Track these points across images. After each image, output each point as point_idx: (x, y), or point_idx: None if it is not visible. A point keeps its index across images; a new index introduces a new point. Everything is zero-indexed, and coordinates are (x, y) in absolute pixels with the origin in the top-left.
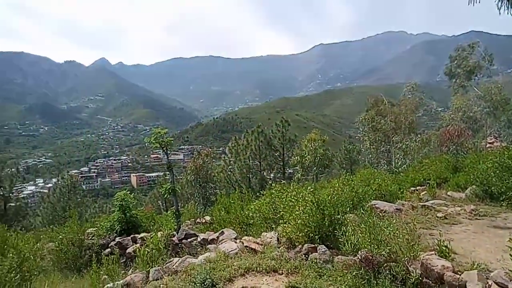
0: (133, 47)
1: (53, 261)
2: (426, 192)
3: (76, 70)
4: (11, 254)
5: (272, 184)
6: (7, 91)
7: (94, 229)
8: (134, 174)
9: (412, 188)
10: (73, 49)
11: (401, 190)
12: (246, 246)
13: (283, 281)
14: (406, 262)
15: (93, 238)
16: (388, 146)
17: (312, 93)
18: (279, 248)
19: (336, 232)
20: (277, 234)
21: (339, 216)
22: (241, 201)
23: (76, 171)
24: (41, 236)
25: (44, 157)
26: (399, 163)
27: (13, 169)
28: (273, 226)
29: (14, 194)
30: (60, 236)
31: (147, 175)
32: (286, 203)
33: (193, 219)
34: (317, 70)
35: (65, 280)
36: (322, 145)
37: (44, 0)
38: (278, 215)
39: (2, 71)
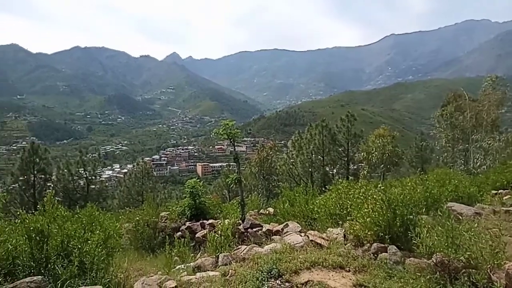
0: (202, 42)
1: (130, 240)
2: (510, 196)
3: (150, 64)
4: (98, 231)
5: (337, 180)
6: (89, 83)
7: (167, 213)
8: (199, 164)
9: (494, 192)
10: (148, 44)
11: (481, 193)
12: (311, 240)
13: (350, 278)
14: (488, 270)
15: (165, 221)
16: (467, 145)
17: (380, 86)
18: (345, 245)
19: (408, 233)
20: (343, 230)
21: (411, 217)
22: (306, 194)
23: (148, 158)
24: (120, 217)
25: (120, 144)
26: (478, 164)
27: (95, 155)
28: (340, 222)
29: (96, 177)
30: (137, 218)
31: (211, 164)
32: (354, 200)
33: (256, 210)
34: (387, 62)
35: (141, 259)
36: (391, 142)
37: None
38: (345, 212)
39: (85, 64)
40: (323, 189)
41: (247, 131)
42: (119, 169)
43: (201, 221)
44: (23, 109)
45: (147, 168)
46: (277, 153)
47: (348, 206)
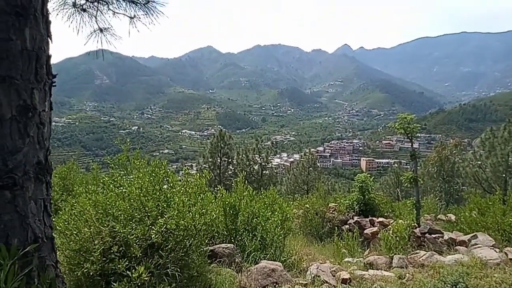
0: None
1: (300, 226)
2: None
3: (321, 57)
4: (277, 212)
5: None
6: (266, 78)
7: (334, 204)
8: (364, 158)
9: None
10: (320, 37)
11: None
12: (510, 259)
13: None
14: None
15: (333, 212)
16: None
17: None
18: None
19: None
20: None
21: None
22: (504, 204)
23: (313, 149)
24: (290, 202)
25: (289, 135)
26: None
27: (267, 143)
28: None
29: (268, 164)
30: (307, 205)
31: (376, 160)
32: None
33: (433, 214)
34: None
35: (309, 245)
36: None
37: None
38: None
39: (264, 61)
40: None
41: (421, 126)
42: (286, 158)
43: (370, 218)
44: (213, 101)
45: (313, 159)
46: (462, 152)
47: None
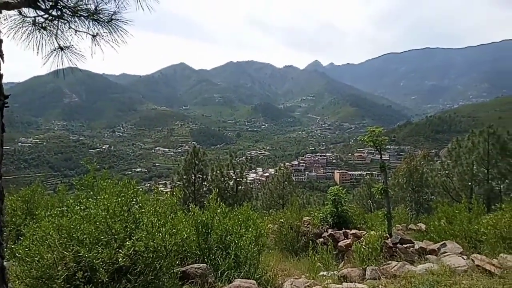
0: (343, 48)
1: (275, 241)
2: None
3: (292, 73)
4: (251, 229)
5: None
6: (239, 94)
7: (309, 218)
8: (337, 171)
9: None
10: (291, 54)
11: None
12: (477, 265)
13: None
14: None
15: (308, 226)
16: None
17: None
18: None
19: None
20: None
21: None
22: (469, 212)
23: (288, 163)
24: (265, 218)
25: (263, 150)
26: None
27: (242, 158)
28: None
29: (243, 179)
30: (282, 220)
31: (349, 172)
32: None
33: (404, 224)
34: None
35: (285, 260)
36: None
37: (268, 13)
38: None
39: (237, 77)
40: (488, 207)
41: (391, 138)
42: (261, 173)
43: (343, 230)
44: (187, 118)
45: (287, 173)
46: (430, 163)
47: None
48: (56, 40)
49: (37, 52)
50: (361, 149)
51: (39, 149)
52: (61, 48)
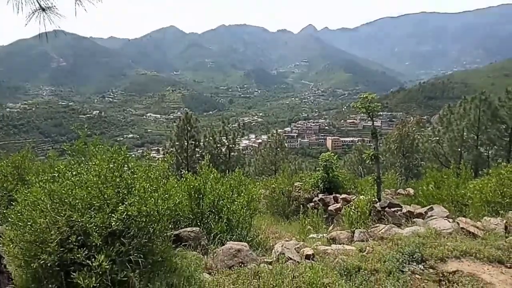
0: (339, 11)
1: (267, 206)
2: None
3: (286, 38)
4: (243, 194)
5: (497, 163)
6: (232, 59)
7: (300, 183)
8: (329, 137)
9: None
10: (285, 18)
11: None
12: (462, 228)
13: (511, 276)
14: None
15: (299, 191)
16: None
17: None
18: (507, 238)
19: None
20: (504, 221)
21: None
22: (457, 177)
23: (280, 130)
24: (257, 183)
25: (256, 116)
26: None
27: (234, 125)
28: (500, 211)
29: (236, 146)
30: (273, 185)
31: (341, 139)
32: None
33: (393, 189)
34: None
35: (276, 223)
36: None
37: None
38: (508, 200)
39: (229, 42)
40: (475, 172)
41: (383, 104)
42: (254, 139)
43: (334, 195)
44: (178, 83)
45: (280, 140)
46: (421, 129)
47: None
48: (37, 0)
49: (17, 12)
50: (354, 116)
51: (28, 115)
52: (43, 9)
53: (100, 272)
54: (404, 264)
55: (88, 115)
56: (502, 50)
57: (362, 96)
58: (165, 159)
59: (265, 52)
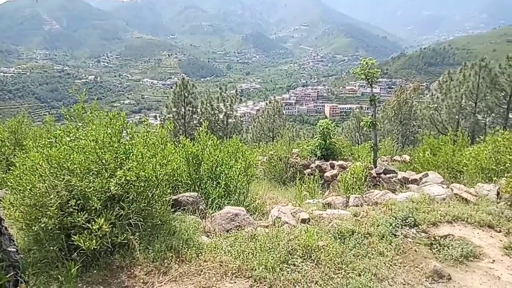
0: None
1: (264, 172)
2: None
3: (286, 0)
4: (240, 160)
5: (494, 130)
6: (229, 22)
7: (297, 150)
8: (328, 104)
9: None
10: None
11: None
12: (455, 194)
13: (500, 240)
14: None
15: (296, 157)
16: None
17: None
18: (498, 203)
19: None
20: (497, 187)
21: None
22: (453, 144)
23: (279, 97)
24: (255, 150)
25: (254, 82)
26: None
27: (232, 91)
28: (494, 178)
29: (233, 112)
30: (271, 152)
31: (340, 106)
32: None
33: (389, 156)
34: None
35: (273, 189)
36: None
37: None
38: (502, 167)
39: (226, 3)
40: (472, 139)
41: (383, 71)
42: (252, 106)
43: (330, 162)
44: (174, 48)
45: (278, 107)
46: (420, 96)
47: (508, 161)
48: None
49: None
50: (353, 82)
51: (22, 80)
52: None
53: (101, 235)
54: (397, 228)
55: (84, 80)
56: (507, 15)
57: (361, 61)
58: (164, 125)
59: (263, 15)
